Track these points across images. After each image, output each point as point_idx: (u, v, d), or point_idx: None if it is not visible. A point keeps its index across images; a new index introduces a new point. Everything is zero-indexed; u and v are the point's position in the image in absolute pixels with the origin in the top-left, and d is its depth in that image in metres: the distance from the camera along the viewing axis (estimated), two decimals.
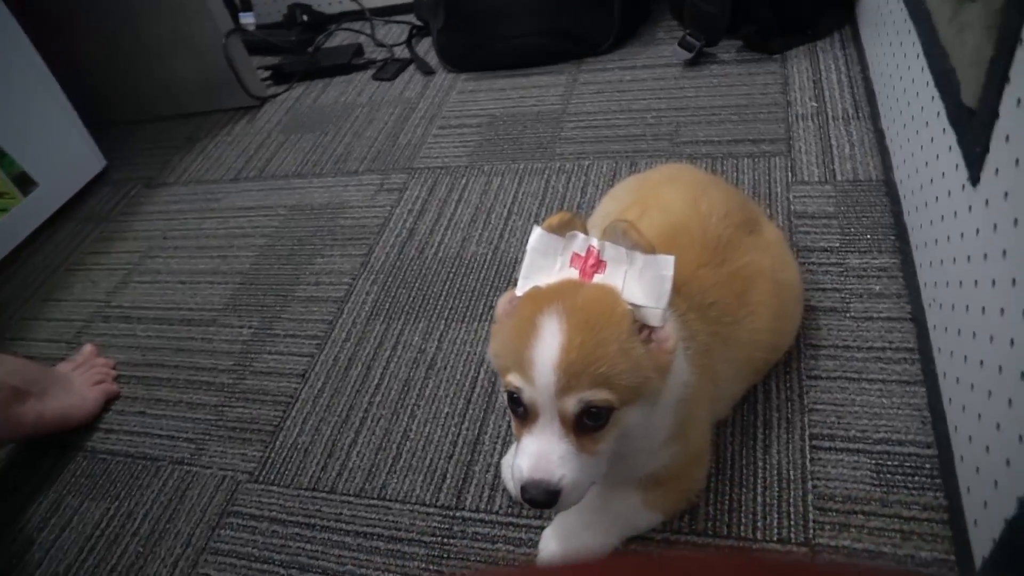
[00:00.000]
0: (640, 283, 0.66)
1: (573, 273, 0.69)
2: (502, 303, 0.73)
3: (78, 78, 1.80)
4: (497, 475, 0.95)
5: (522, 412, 0.66)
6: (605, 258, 0.67)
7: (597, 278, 0.67)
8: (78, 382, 1.21)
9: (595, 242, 0.68)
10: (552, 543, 0.83)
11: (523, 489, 0.65)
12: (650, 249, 0.65)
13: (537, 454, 0.65)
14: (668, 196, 0.94)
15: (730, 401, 0.91)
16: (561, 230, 0.69)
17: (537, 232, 0.69)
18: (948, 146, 0.82)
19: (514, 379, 0.65)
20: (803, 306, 0.99)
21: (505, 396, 0.68)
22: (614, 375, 0.63)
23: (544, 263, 0.69)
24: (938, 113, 0.87)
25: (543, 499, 0.64)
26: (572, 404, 0.63)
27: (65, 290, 1.52)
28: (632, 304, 0.66)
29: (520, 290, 0.70)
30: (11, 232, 1.61)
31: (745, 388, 0.93)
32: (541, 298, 0.67)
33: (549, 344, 0.63)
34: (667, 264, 0.64)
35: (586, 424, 0.65)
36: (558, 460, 0.64)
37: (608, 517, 0.82)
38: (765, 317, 0.86)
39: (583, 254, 0.68)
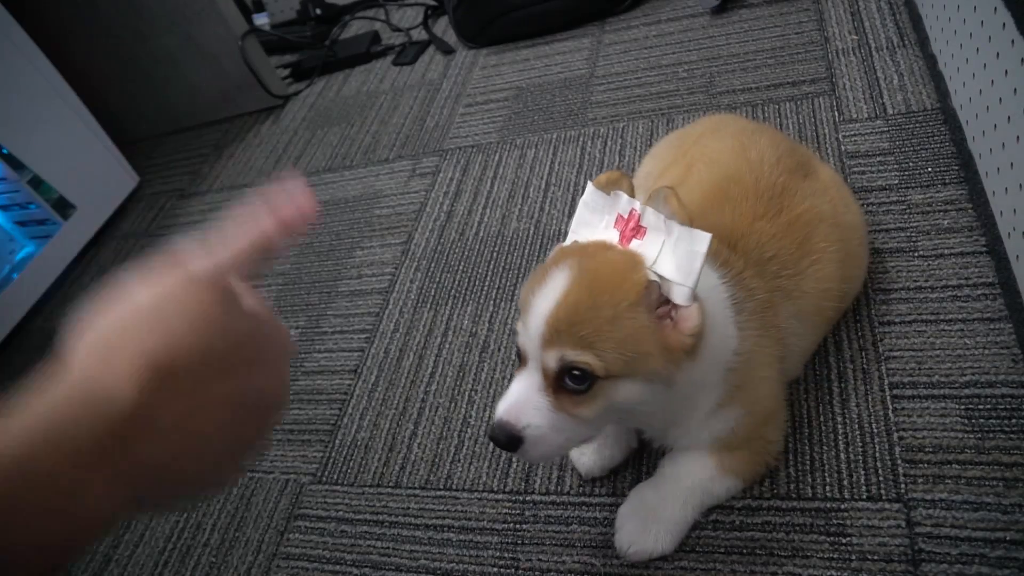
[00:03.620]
0: (674, 256, 0.62)
1: (615, 235, 0.66)
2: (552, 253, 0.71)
3: (100, 98, 1.80)
4: (565, 455, 0.92)
5: (517, 355, 0.67)
6: (645, 224, 0.64)
7: (634, 243, 0.64)
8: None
9: (638, 205, 0.64)
10: (629, 522, 0.79)
11: (491, 428, 0.66)
12: (687, 221, 0.61)
13: (513, 399, 0.65)
14: (714, 148, 0.90)
15: (802, 357, 0.87)
16: (608, 188, 0.66)
17: (589, 187, 0.67)
18: (1020, 59, 0.76)
19: (518, 321, 0.66)
20: (868, 247, 0.93)
21: None
22: (599, 342, 0.62)
23: (592, 219, 0.68)
24: (1004, 24, 0.80)
25: (504, 442, 0.65)
26: (552, 359, 0.63)
27: None
28: (660, 277, 0.62)
29: (568, 242, 0.69)
30: (56, 257, 1.62)
31: (817, 341, 0.88)
32: (568, 253, 0.66)
33: (548, 295, 0.63)
34: (702, 240, 0.60)
35: (568, 384, 0.64)
36: (530, 410, 0.64)
37: (684, 487, 0.79)
38: (831, 264, 0.81)
39: (626, 216, 0.65)
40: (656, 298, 0.63)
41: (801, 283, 0.79)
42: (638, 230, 0.64)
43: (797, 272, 0.78)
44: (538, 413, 0.64)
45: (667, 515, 0.78)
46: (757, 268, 0.75)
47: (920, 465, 0.78)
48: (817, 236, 0.80)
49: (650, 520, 0.78)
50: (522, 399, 0.65)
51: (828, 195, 0.85)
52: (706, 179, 0.85)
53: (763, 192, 0.80)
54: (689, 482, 0.79)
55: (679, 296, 0.62)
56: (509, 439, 0.65)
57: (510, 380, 0.69)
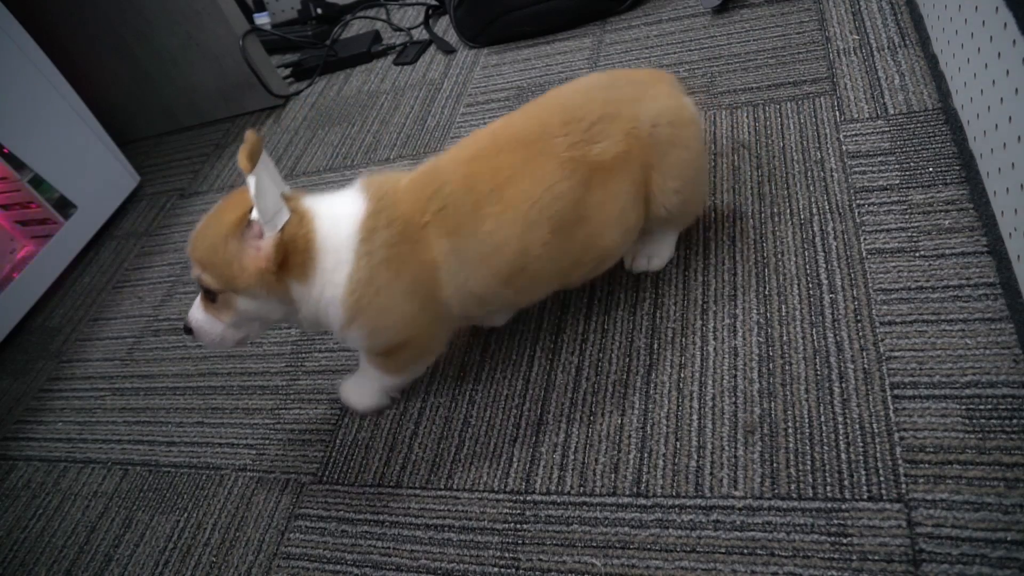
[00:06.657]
0: (256, 201, 0.79)
1: None
2: None
3: (101, 97, 1.81)
4: (566, 454, 0.92)
5: None
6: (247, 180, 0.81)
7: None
8: None
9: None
10: (352, 394, 1.06)
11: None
12: (247, 172, 0.78)
13: (192, 306, 0.91)
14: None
15: (484, 290, 0.90)
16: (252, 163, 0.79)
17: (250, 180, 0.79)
18: (1022, 59, 0.76)
19: None
20: (602, 246, 0.93)
21: None
22: (208, 264, 0.84)
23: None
24: (1005, 24, 0.80)
25: (184, 328, 0.92)
26: (195, 276, 0.86)
27: (114, 308, 1.53)
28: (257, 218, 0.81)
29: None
30: (57, 256, 1.62)
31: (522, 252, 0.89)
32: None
33: (197, 225, 0.87)
34: (252, 185, 0.78)
35: (209, 297, 0.87)
36: (196, 311, 0.90)
37: (369, 380, 1.03)
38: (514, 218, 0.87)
39: None
40: (256, 232, 0.82)
41: (476, 226, 0.87)
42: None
43: (474, 217, 0.87)
44: (199, 314, 0.90)
45: (367, 398, 1.05)
46: (420, 211, 0.88)
47: (921, 465, 0.77)
48: (513, 192, 0.87)
49: (364, 395, 1.05)
50: (196, 304, 0.91)
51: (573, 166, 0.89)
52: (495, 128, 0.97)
53: (522, 134, 0.90)
54: (371, 375, 1.01)
55: (265, 231, 0.82)
56: (186, 327, 0.91)
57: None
